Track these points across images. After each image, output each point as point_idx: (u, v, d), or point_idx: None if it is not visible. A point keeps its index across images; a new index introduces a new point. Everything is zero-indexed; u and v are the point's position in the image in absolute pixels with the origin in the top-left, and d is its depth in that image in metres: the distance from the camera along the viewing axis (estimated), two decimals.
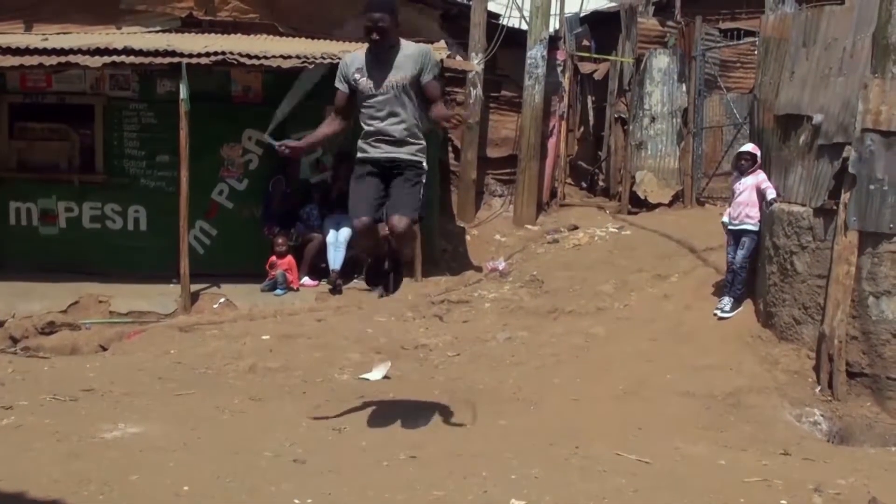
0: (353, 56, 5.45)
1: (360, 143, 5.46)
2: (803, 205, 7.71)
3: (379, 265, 5.73)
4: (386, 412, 6.21)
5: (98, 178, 10.97)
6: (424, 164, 5.49)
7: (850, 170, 7.10)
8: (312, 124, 10.96)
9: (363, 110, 5.41)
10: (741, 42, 12.97)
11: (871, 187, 7.04)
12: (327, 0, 12.33)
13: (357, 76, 5.31)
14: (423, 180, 5.47)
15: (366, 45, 5.34)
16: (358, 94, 5.37)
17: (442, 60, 10.18)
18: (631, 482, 5.12)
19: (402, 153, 5.39)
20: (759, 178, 8.46)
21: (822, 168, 7.57)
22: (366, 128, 5.42)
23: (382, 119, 5.34)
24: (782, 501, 4.95)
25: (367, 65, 5.31)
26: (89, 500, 4.54)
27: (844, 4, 7.99)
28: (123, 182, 10.97)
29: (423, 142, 5.53)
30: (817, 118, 7.66)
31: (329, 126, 5.59)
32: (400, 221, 5.26)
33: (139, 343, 8.59)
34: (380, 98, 5.31)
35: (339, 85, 5.42)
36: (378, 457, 5.32)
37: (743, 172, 8.63)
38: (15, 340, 8.99)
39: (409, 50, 5.33)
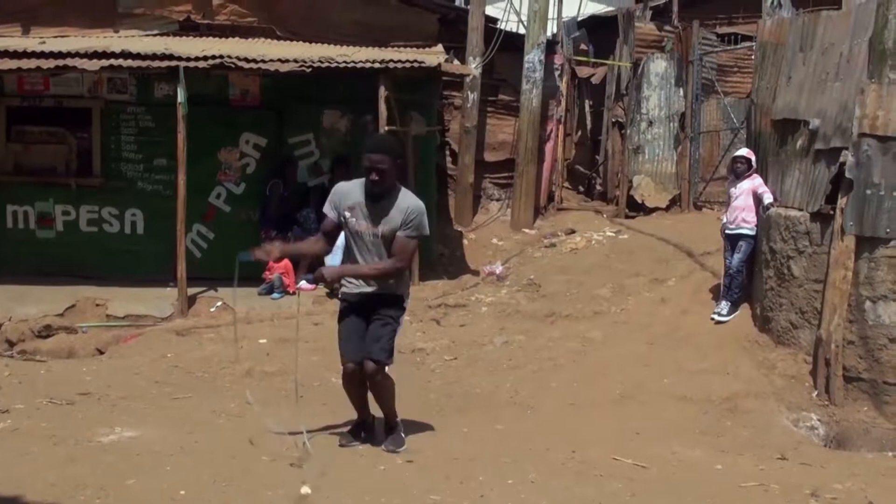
0: (349, 188, 5.44)
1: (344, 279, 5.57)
2: (800, 209, 7.72)
3: (362, 422, 5.73)
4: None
5: (95, 181, 10.95)
6: (404, 295, 5.58)
7: (847, 174, 7.12)
8: (307, 128, 11.15)
9: (348, 240, 5.48)
10: (738, 47, 12.98)
11: (868, 192, 7.06)
12: (325, 4, 12.33)
13: (348, 214, 5.33)
14: (400, 322, 5.50)
15: (362, 178, 5.34)
16: (345, 225, 5.42)
17: (440, 65, 10.20)
18: (628, 486, 5.13)
19: (377, 290, 5.42)
20: (755, 182, 8.48)
21: (818, 173, 7.59)
22: (349, 255, 5.51)
23: (363, 255, 5.38)
24: None
25: (361, 205, 5.32)
26: None
27: (841, 10, 8.00)
28: (121, 185, 10.95)
29: (405, 274, 5.63)
30: (814, 123, 7.67)
31: (314, 245, 5.81)
32: (371, 366, 5.33)
33: (136, 347, 8.58)
34: (364, 241, 5.35)
35: (329, 212, 5.43)
36: (375, 461, 5.33)
37: (739, 176, 8.64)
38: (11, 344, 8.97)
39: (403, 204, 5.31)
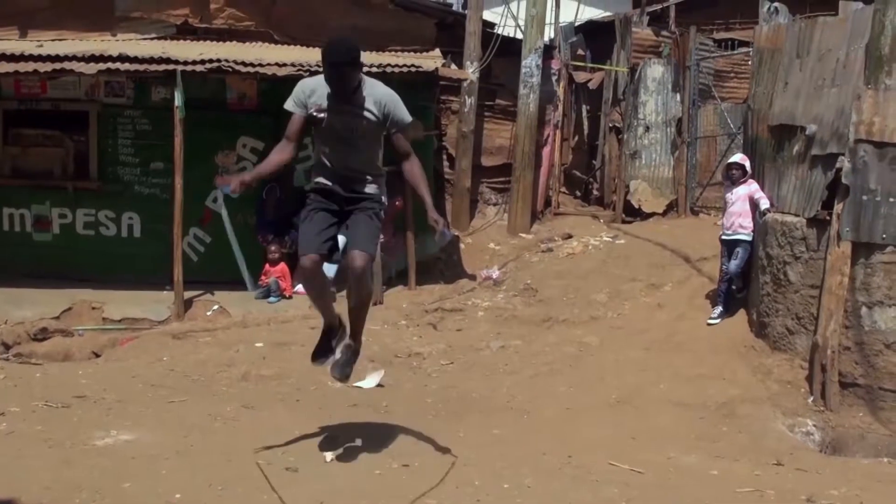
0: (313, 84, 5.07)
1: (314, 173, 5.18)
2: (797, 215, 7.73)
3: (330, 335, 5.29)
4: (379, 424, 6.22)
5: (92, 184, 10.97)
6: (384, 198, 5.23)
7: (844, 180, 7.13)
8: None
9: (319, 143, 5.14)
10: (735, 52, 13.00)
11: (865, 198, 7.07)
12: (323, 8, 12.34)
13: (315, 112, 4.98)
14: (382, 216, 5.19)
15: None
16: (314, 124, 5.05)
17: (437, 69, 10.21)
18: (624, 492, 5.13)
19: (360, 187, 5.09)
20: (751, 187, 8.50)
21: (815, 178, 7.60)
22: (321, 158, 5.14)
23: (339, 154, 5.05)
24: None
25: (328, 100, 4.97)
26: None
27: (838, 16, 8.02)
28: (117, 189, 10.97)
29: (384, 174, 5.24)
30: (811, 129, 7.69)
31: (280, 153, 5.14)
32: (360, 257, 4.93)
33: (132, 350, 8.58)
34: (340, 137, 5.02)
35: (295, 109, 5.02)
36: (371, 465, 5.32)
37: (734, 182, 8.66)
38: (7, 346, 8.95)
39: (374, 96, 5.00)
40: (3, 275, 10.40)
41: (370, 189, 5.13)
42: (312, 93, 5.00)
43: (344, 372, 5.26)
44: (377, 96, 5.02)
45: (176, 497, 4.69)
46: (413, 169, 5.15)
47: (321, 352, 5.28)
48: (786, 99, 8.24)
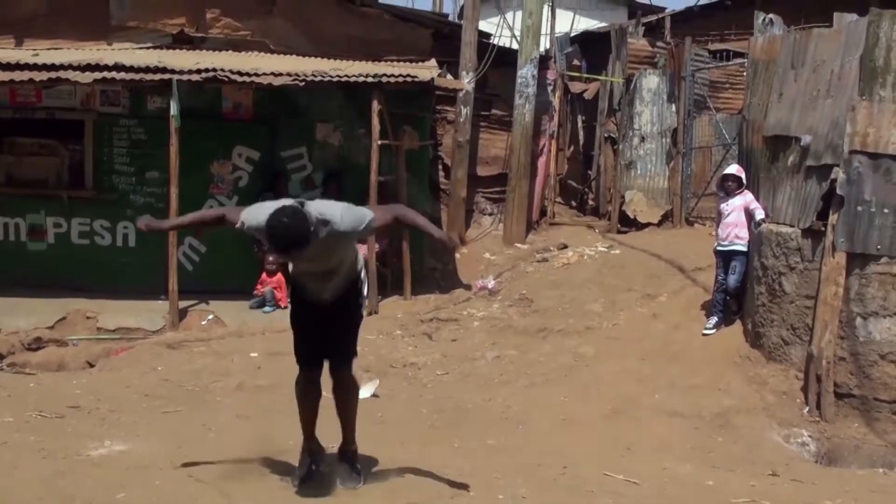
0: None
1: (293, 278, 4.94)
2: (791, 225, 7.75)
3: (312, 457, 5.03)
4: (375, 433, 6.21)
5: (87, 193, 10.95)
6: (362, 272, 4.96)
7: (839, 191, 7.15)
8: (300, 141, 11.16)
9: (291, 268, 4.92)
10: (730, 63, 13.04)
11: (859, 209, 7.10)
12: (319, 18, 12.38)
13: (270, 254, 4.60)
14: (363, 301, 4.98)
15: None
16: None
17: (433, 79, 10.23)
18: (619, 502, 5.13)
19: (341, 283, 4.78)
20: (746, 198, 8.51)
21: (810, 189, 7.62)
22: (296, 278, 4.90)
23: (315, 280, 4.76)
24: None
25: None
26: None
27: (832, 27, 8.06)
28: (113, 198, 10.95)
29: (357, 252, 4.93)
30: (805, 139, 7.71)
31: (210, 218, 5.06)
32: (344, 374, 4.87)
33: (126, 360, 8.57)
34: (310, 271, 4.72)
35: (240, 225, 4.57)
36: (364, 476, 5.31)
37: (729, 194, 8.68)
38: (1, 356, 8.94)
39: (331, 232, 4.40)
40: None
41: (351, 277, 4.86)
42: (262, 235, 4.43)
43: (354, 480, 5.01)
44: (334, 234, 4.44)
45: None
46: (405, 215, 4.91)
47: (308, 478, 4.97)
48: (780, 110, 8.26)
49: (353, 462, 5.10)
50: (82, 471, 5.24)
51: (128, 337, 9.40)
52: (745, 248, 8.50)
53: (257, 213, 4.46)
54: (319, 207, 4.44)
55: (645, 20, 15.13)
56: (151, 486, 5.00)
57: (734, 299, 8.64)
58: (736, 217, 8.54)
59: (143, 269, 10.58)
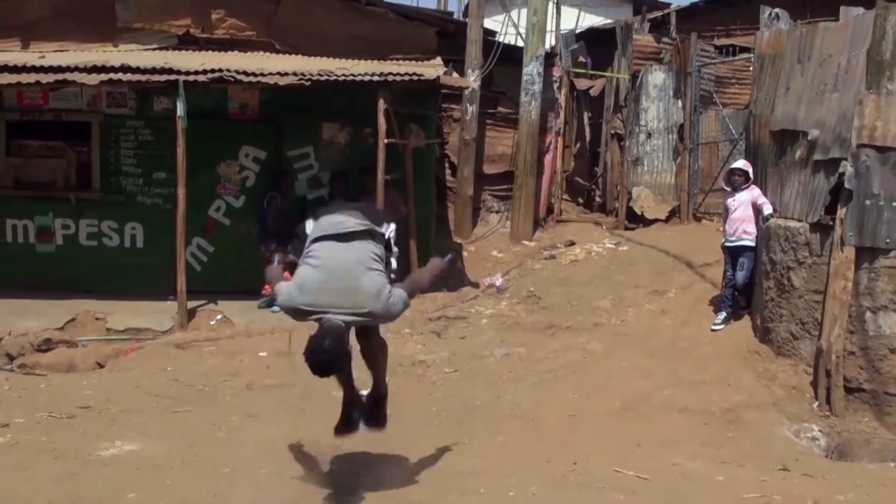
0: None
1: None
2: (800, 220, 7.73)
3: (352, 408, 5.17)
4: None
5: (95, 195, 10.98)
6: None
7: (847, 185, 7.13)
8: (307, 141, 11.17)
9: None
10: (736, 58, 13.01)
11: (868, 202, 7.08)
12: (324, 17, 12.38)
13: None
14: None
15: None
16: None
17: (438, 78, 10.23)
18: (629, 499, 5.13)
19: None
20: (753, 192, 8.50)
21: (818, 183, 7.60)
22: None
23: None
24: None
25: None
26: None
27: (839, 21, 8.03)
28: (120, 199, 10.99)
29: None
30: (813, 133, 7.69)
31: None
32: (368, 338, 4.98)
33: (136, 360, 8.59)
34: None
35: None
36: (379, 470, 5.33)
37: (736, 188, 8.66)
38: (11, 358, 8.97)
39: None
40: (6, 286, 10.41)
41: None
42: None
43: (377, 420, 5.17)
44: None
45: None
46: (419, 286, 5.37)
47: (345, 426, 5.14)
48: (787, 104, 8.24)
49: (380, 407, 5.19)
50: (93, 471, 5.28)
51: (137, 337, 9.42)
52: (752, 244, 8.48)
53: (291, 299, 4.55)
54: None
55: (650, 16, 15.10)
56: (163, 485, 5.03)
57: (742, 295, 8.64)
58: (743, 212, 8.53)
59: (151, 270, 10.61)
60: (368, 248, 4.68)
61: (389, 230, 4.98)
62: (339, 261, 4.56)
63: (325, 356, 4.33)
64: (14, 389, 7.36)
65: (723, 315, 8.62)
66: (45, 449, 5.66)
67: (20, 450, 5.67)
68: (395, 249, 5.05)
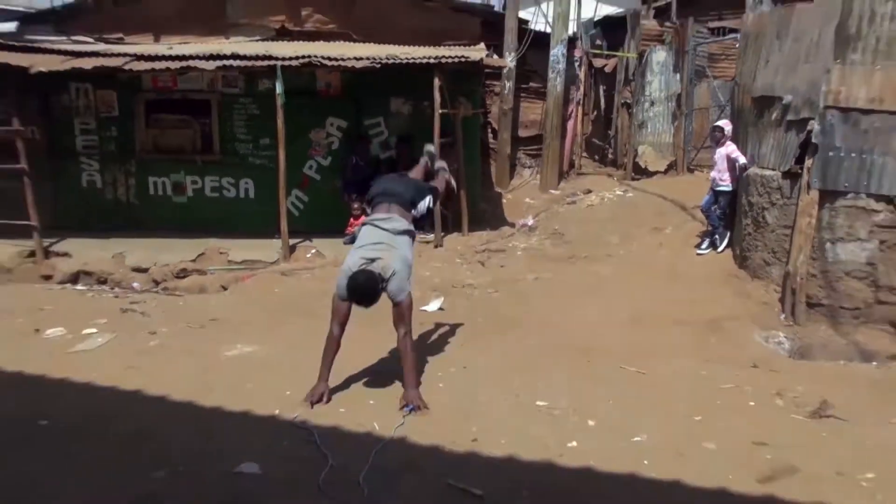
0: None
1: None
2: (773, 169, 7.56)
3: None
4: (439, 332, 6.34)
5: (216, 157, 11.14)
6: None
7: (814, 140, 6.95)
8: (378, 112, 11.14)
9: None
10: (726, 38, 12.57)
11: (830, 154, 6.89)
12: (391, 12, 12.26)
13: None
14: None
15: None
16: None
17: (482, 59, 10.09)
18: (632, 387, 5.19)
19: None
20: (728, 148, 8.45)
21: (790, 139, 7.41)
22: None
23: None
24: (751, 403, 4.99)
25: None
26: (214, 402, 4.74)
27: (812, 2, 7.72)
28: (235, 161, 11.13)
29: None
30: (787, 98, 7.47)
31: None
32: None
33: (251, 284, 8.78)
34: None
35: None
36: (436, 369, 5.46)
37: (717, 143, 8.65)
38: (157, 283, 9.22)
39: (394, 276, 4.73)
40: (151, 228, 10.71)
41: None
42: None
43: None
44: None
45: (286, 393, 4.88)
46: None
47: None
48: (767, 74, 7.99)
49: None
50: (220, 367, 5.47)
51: (251, 267, 9.56)
52: (728, 189, 8.48)
53: (347, 264, 4.88)
54: (385, 266, 4.74)
55: (655, 4, 14.62)
56: (272, 377, 5.21)
57: (718, 216, 8.64)
58: (721, 164, 8.52)
59: (260, 215, 10.78)
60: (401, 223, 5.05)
61: (426, 202, 5.36)
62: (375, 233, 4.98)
63: (360, 284, 4.68)
64: (159, 306, 7.61)
65: (706, 242, 8.71)
66: (185, 350, 5.86)
67: (166, 350, 5.89)
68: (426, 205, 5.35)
